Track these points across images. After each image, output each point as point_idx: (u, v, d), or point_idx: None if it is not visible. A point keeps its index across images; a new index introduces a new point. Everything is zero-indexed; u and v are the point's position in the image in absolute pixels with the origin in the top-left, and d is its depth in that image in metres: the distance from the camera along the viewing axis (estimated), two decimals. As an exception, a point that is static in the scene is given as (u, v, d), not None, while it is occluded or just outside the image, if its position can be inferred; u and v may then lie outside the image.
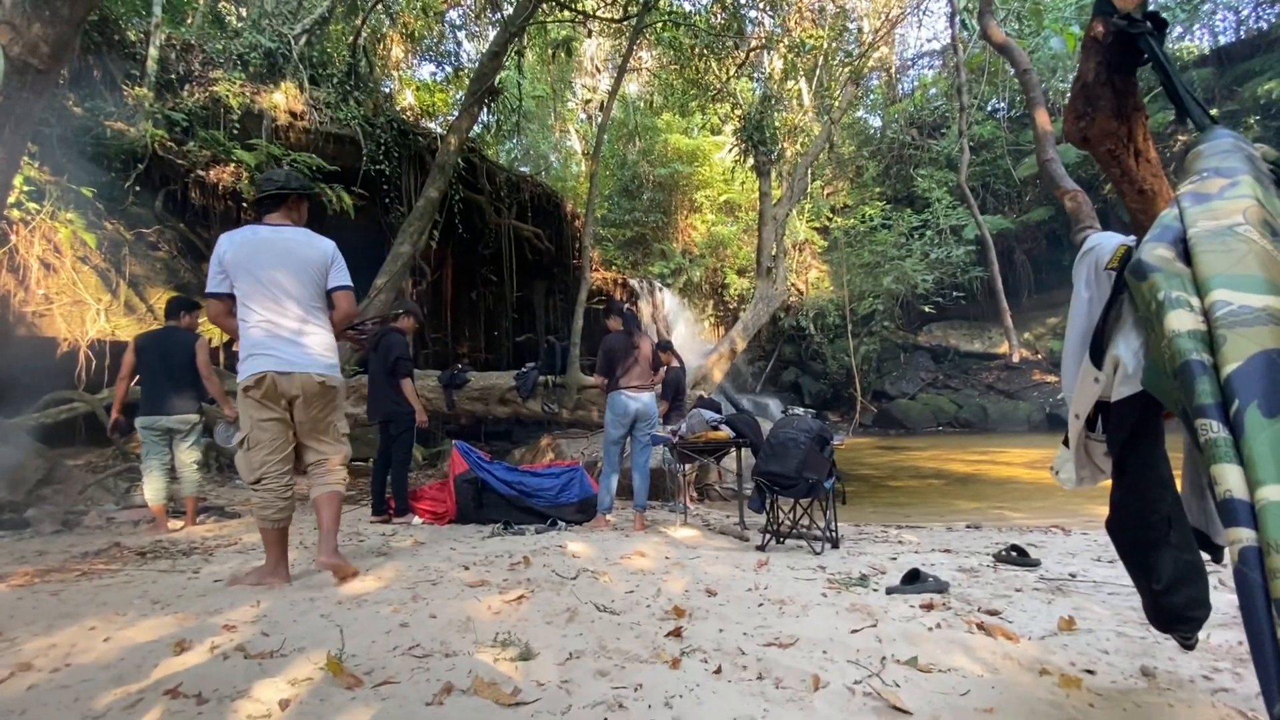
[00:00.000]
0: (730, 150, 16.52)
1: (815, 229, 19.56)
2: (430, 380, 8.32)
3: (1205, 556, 1.52)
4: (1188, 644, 1.62)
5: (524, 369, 8.70)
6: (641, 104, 18.82)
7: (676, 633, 2.05)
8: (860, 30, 15.04)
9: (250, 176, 8.35)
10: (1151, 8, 1.27)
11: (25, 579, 2.89)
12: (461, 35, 15.56)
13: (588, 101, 21.54)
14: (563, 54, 13.53)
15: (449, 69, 15.48)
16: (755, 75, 14.48)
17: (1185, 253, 0.88)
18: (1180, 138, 13.40)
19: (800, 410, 3.99)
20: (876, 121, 21.85)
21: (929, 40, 22.68)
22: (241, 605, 2.34)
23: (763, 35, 11.97)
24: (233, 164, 8.27)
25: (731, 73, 11.90)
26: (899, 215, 17.09)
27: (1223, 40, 17.63)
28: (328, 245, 2.93)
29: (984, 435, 14.34)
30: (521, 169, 17.54)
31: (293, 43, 9.53)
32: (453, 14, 14.44)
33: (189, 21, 10.50)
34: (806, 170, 13.19)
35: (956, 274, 16.01)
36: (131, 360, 4.43)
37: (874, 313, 17.17)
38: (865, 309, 17.06)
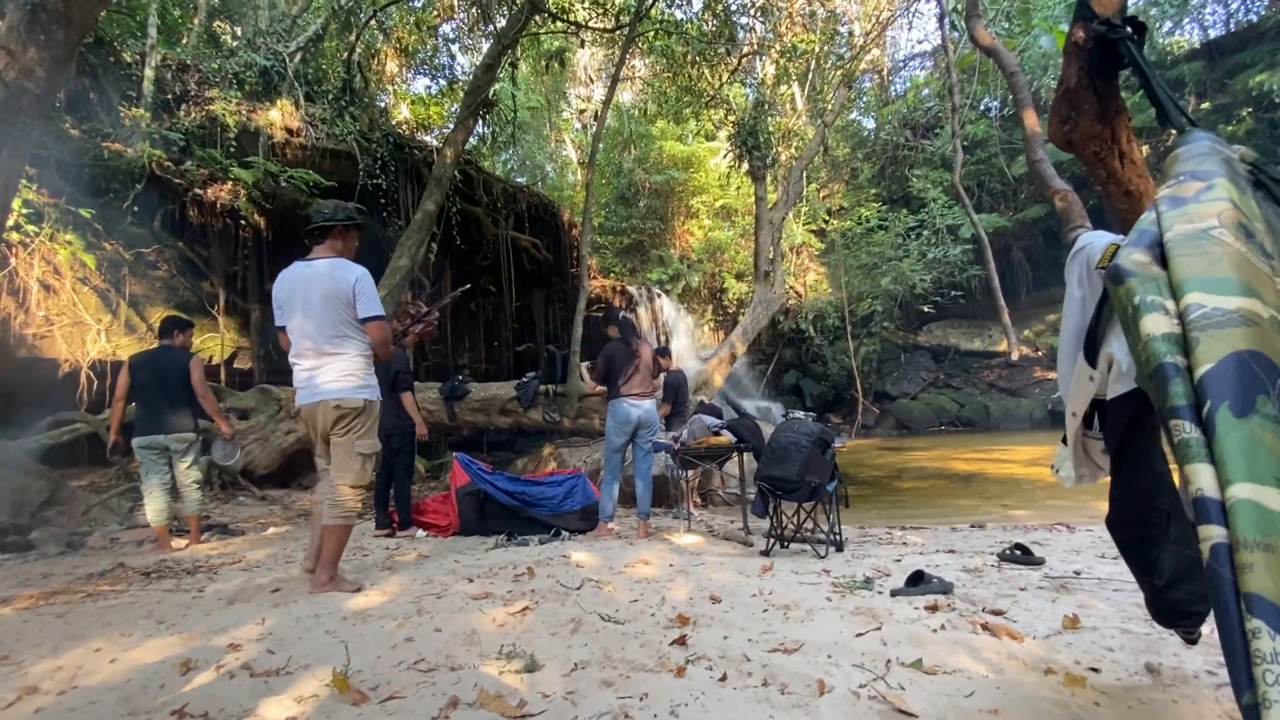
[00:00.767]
0: (725, 156, 16.57)
1: (812, 232, 19.61)
2: (431, 392, 8.33)
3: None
4: (1190, 639, 1.63)
5: (524, 379, 8.71)
6: (636, 112, 18.91)
7: (681, 641, 2.05)
8: (851, 34, 15.13)
9: (248, 194, 8.40)
10: (1134, 7, 1.29)
11: (30, 601, 2.90)
12: (455, 48, 15.66)
13: (582, 111, 21.64)
14: (556, 65, 13.60)
15: (443, 82, 15.56)
16: (748, 81, 14.56)
17: (1162, 256, 0.89)
18: (1172, 134, 13.44)
19: (801, 413, 4.00)
20: (870, 124, 21.94)
21: (919, 42, 22.76)
22: (247, 624, 2.34)
23: (754, 41, 12.04)
24: (230, 182, 8.31)
25: (724, 79, 11.96)
26: (895, 216, 17.12)
27: (1213, 34, 17.70)
28: (351, 275, 3.01)
29: (987, 434, 14.31)
30: (518, 180, 17.63)
31: (288, 60, 9.59)
32: (446, 28, 14.54)
33: (184, 42, 10.58)
34: (801, 174, 13.22)
35: (954, 273, 16.03)
36: (126, 381, 4.44)
37: (873, 314, 17.18)
38: (864, 310, 17.07)
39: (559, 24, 10.95)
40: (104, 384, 7.34)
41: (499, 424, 8.67)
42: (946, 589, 2.64)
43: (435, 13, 13.42)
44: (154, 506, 4.37)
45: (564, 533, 4.63)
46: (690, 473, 5.46)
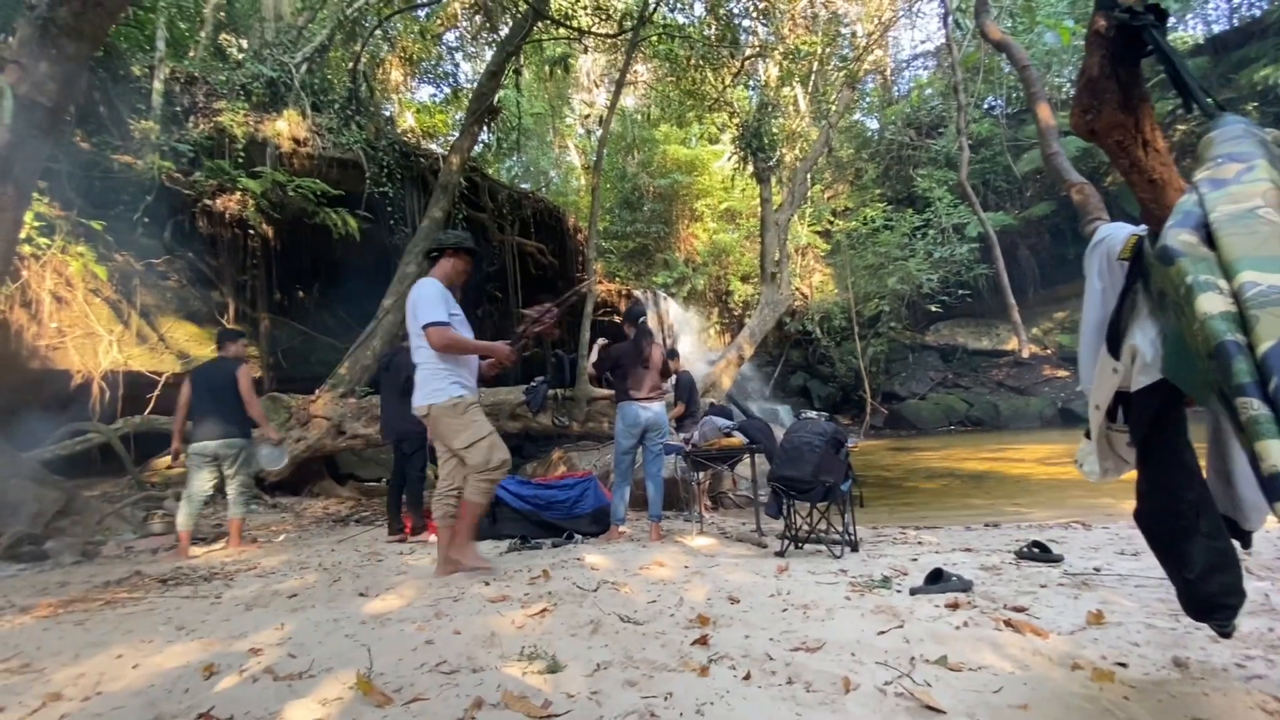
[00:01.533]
0: (729, 158, 16.60)
1: (817, 233, 19.60)
2: (440, 398, 8.35)
3: (1235, 544, 1.51)
4: (1224, 632, 1.60)
5: (533, 383, 8.68)
6: (639, 116, 18.98)
7: (702, 640, 2.04)
8: (854, 35, 15.14)
9: (256, 203, 8.46)
10: (1150, -1, 1.29)
11: (49, 610, 2.91)
12: (459, 56, 15.78)
13: (586, 116, 21.74)
14: (560, 71, 13.69)
15: (448, 90, 15.69)
16: (751, 83, 14.60)
17: (1208, 237, 0.89)
18: (1179, 127, 13.39)
19: (814, 414, 3.98)
20: (874, 124, 21.96)
21: (922, 41, 22.85)
22: (266, 629, 2.34)
23: (757, 44, 12.07)
24: (239, 192, 8.38)
25: (727, 82, 11.99)
26: (900, 216, 17.09)
27: (1216, 29, 17.65)
28: (414, 289, 3.24)
29: (996, 433, 14.23)
30: (523, 186, 17.69)
31: (294, 71, 9.67)
32: (450, 36, 14.66)
33: (192, 54, 10.69)
34: (806, 175, 13.24)
35: (961, 272, 15.98)
36: (188, 391, 4.73)
37: (880, 314, 17.13)
38: (871, 310, 17.03)
39: (562, 30, 11.00)
40: (116, 394, 7.39)
41: (508, 428, 8.67)
42: (966, 587, 2.61)
43: (439, 21, 13.52)
44: (185, 511, 4.54)
45: (576, 536, 4.63)
46: (701, 475, 5.44)
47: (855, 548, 3.74)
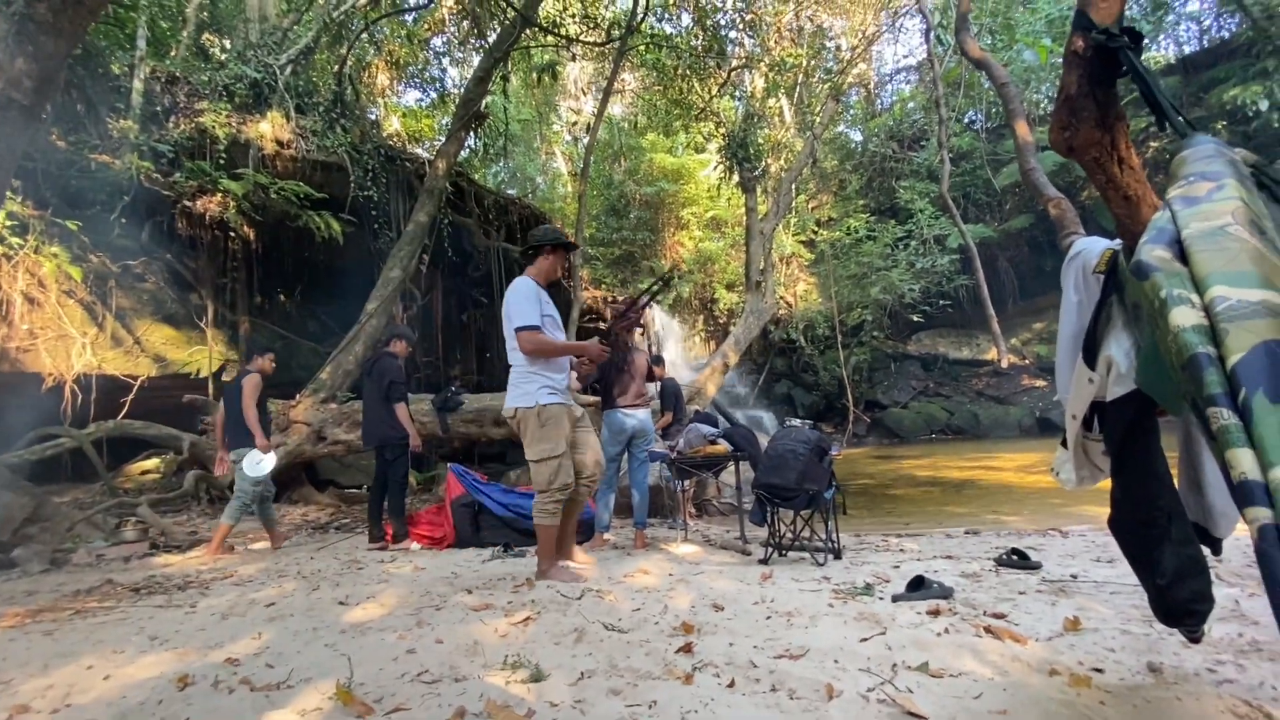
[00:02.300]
0: (715, 168, 16.72)
1: (802, 242, 19.77)
2: (424, 404, 8.27)
3: (1205, 551, 1.54)
4: (1194, 637, 1.64)
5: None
6: (626, 124, 19.06)
7: (687, 648, 2.04)
8: (838, 48, 15.37)
9: (237, 205, 8.35)
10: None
11: (16, 619, 2.83)
12: (446, 61, 15.74)
13: (573, 123, 21.78)
14: (547, 78, 13.72)
15: (434, 95, 15.63)
16: (737, 94, 14.73)
17: (1181, 253, 0.92)
18: (1152, 144, 13.75)
19: (798, 421, 4.00)
20: (858, 136, 22.23)
21: (905, 56, 23.25)
22: (243, 638, 2.30)
23: (743, 55, 12.21)
24: (219, 194, 8.26)
25: (714, 92, 12.09)
26: (883, 227, 17.30)
27: (1187, 49, 18.16)
28: (510, 289, 3.26)
29: (976, 441, 14.42)
30: (509, 191, 17.66)
31: (278, 73, 9.58)
32: (437, 41, 14.62)
33: (173, 54, 10.55)
34: (791, 185, 13.36)
35: (942, 282, 16.19)
36: (221, 406, 5.09)
37: (863, 323, 17.30)
38: (854, 320, 17.19)
39: (550, 38, 11.04)
40: (89, 398, 7.23)
41: (492, 435, 8.60)
42: (947, 594, 2.64)
43: (426, 26, 13.49)
44: (228, 509, 4.82)
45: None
46: (686, 482, 5.45)
47: (838, 555, 3.77)
